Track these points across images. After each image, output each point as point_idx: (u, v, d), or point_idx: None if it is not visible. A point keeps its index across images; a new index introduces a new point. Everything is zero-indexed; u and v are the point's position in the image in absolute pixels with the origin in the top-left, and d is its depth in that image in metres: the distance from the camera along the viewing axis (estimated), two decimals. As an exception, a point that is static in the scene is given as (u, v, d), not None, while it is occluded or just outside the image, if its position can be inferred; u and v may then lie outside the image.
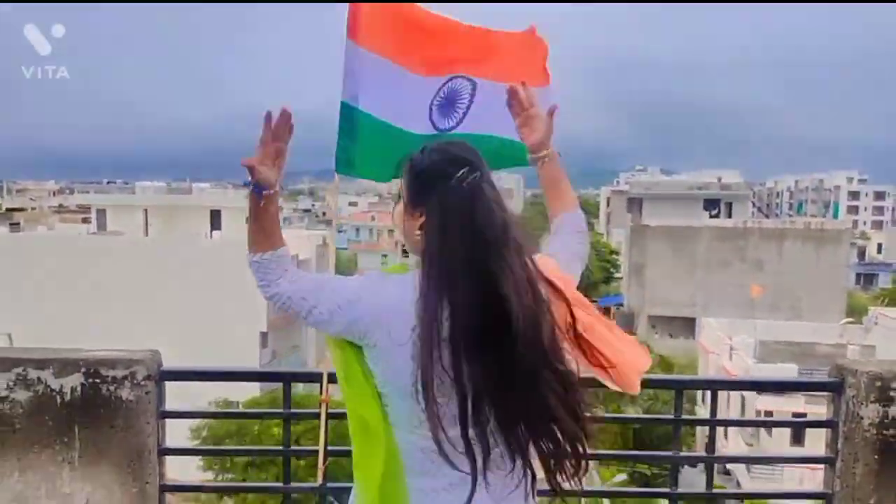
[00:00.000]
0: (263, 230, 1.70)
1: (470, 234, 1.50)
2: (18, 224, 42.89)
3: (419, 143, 2.20)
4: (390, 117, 2.20)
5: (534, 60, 2.25)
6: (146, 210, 31.27)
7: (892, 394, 2.21)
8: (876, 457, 2.23)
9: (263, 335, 26.93)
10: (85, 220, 37.07)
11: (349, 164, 2.23)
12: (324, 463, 2.19)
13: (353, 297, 1.58)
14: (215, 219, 30.69)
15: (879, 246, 71.19)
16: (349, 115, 2.18)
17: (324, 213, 66.83)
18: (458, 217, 1.51)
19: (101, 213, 32.17)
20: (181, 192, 35.03)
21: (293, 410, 2.41)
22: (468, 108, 2.23)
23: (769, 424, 15.79)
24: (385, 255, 58.40)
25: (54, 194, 68.14)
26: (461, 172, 1.53)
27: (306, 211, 74.31)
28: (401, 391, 1.52)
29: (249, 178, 1.64)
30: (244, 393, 18.07)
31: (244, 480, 16.14)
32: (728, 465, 24.15)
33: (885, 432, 2.22)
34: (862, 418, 2.24)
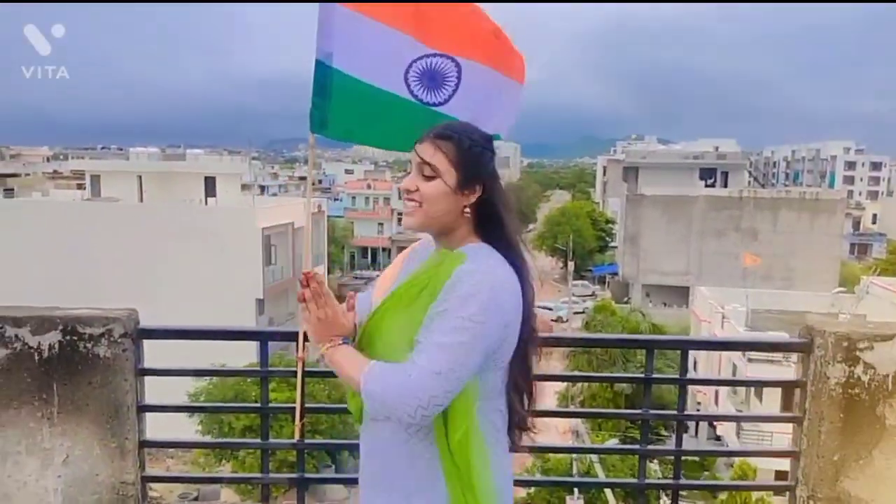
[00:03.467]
0: (345, 375, 1.60)
1: (518, 214, 1.67)
2: (12, 190, 42.64)
3: (400, 108, 2.20)
4: (365, 75, 2.19)
5: (505, 47, 2.23)
6: (140, 176, 31.10)
7: (858, 354, 2.25)
8: (841, 415, 2.27)
9: (260, 302, 27.01)
10: (80, 186, 36.87)
11: (323, 123, 2.22)
12: (300, 420, 2.22)
13: (508, 316, 1.56)
14: (210, 185, 30.56)
15: (874, 216, 71.28)
16: (323, 73, 2.17)
17: (320, 181, 66.50)
18: (510, 197, 1.67)
19: (96, 179, 31.98)
20: (175, 158, 34.80)
21: (270, 369, 2.44)
22: (456, 89, 2.20)
23: (738, 384, 16.04)
24: (381, 224, 58.34)
25: (48, 160, 67.57)
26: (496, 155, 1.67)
27: (302, 179, 73.86)
28: (497, 364, 1.59)
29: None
30: (245, 358, 18.21)
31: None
32: (719, 432, 24.57)
33: (850, 391, 2.26)
34: (829, 378, 2.28)
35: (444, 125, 1.67)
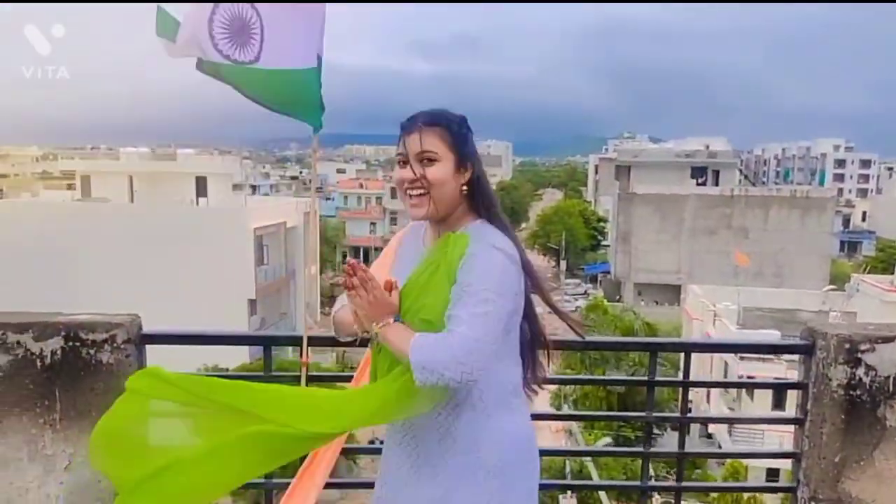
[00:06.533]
0: (396, 350, 1.65)
1: (509, 213, 1.75)
2: (2, 191, 42.36)
3: (225, 73, 2.13)
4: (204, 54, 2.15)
5: None
6: (131, 177, 30.95)
7: (859, 356, 2.27)
8: (842, 416, 2.29)
9: (252, 302, 26.95)
10: (70, 187, 36.66)
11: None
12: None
13: (517, 286, 1.69)
14: (201, 185, 30.46)
15: (864, 214, 71.76)
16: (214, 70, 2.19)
17: (311, 181, 66.25)
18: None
19: (86, 179, 31.84)
20: (166, 158, 34.63)
21: (274, 373, 2.44)
22: (262, 38, 2.11)
23: (742, 386, 16.09)
24: (373, 223, 58.26)
25: (38, 160, 67.13)
26: None
27: (294, 178, 73.73)
28: (510, 328, 1.71)
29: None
30: (235, 360, 18.15)
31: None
32: (710, 430, 24.66)
33: (851, 393, 2.28)
34: (830, 379, 2.29)
35: (426, 113, 1.73)
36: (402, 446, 1.78)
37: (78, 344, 2.22)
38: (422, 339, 1.59)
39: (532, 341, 1.83)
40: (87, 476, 2.28)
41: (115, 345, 2.23)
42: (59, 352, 2.22)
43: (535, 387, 1.86)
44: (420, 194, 1.69)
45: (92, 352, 2.23)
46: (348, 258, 1.83)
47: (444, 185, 1.69)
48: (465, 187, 1.72)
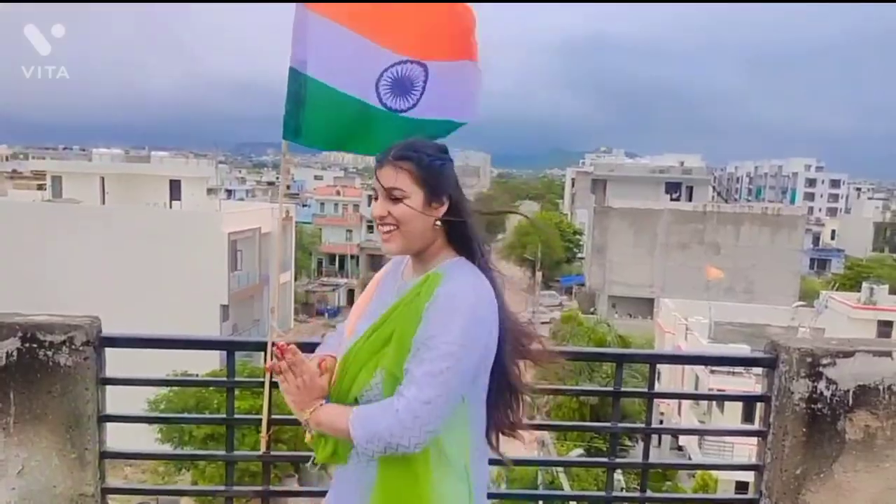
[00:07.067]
0: (334, 431, 1.63)
1: (486, 224, 1.72)
2: (-31, 190, 41.39)
3: (370, 116, 2.20)
4: (338, 83, 2.18)
5: (464, 32, 2.23)
6: (103, 178, 30.49)
7: (820, 369, 2.30)
8: (804, 429, 2.31)
9: (224, 308, 26.63)
10: (40, 187, 36.00)
11: (297, 131, 2.21)
12: (267, 432, 2.18)
13: (486, 336, 1.60)
14: (175, 188, 30.10)
15: (833, 232, 73.19)
16: (296, 80, 2.16)
17: (288, 187, 66.01)
18: (473, 204, 1.71)
19: (57, 179, 31.27)
20: (140, 160, 34.22)
21: (237, 379, 2.40)
22: (422, 93, 2.21)
23: (706, 398, 16.29)
24: (349, 231, 58.03)
25: (7, 159, 65.89)
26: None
27: (270, 184, 73.24)
28: (480, 373, 1.63)
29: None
30: (207, 366, 17.92)
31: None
32: (681, 442, 24.87)
33: (812, 406, 2.30)
34: (792, 393, 2.32)
35: (399, 145, 1.67)
36: (333, 490, 1.76)
37: (35, 345, 2.17)
38: (362, 411, 1.55)
39: (502, 387, 1.71)
40: (42, 481, 2.22)
41: (73, 347, 2.18)
42: (14, 353, 2.16)
43: (509, 431, 1.78)
44: (389, 230, 1.65)
45: (49, 353, 2.17)
46: (276, 342, 1.73)
47: (412, 222, 1.63)
48: (437, 223, 1.65)
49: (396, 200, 1.63)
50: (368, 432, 1.52)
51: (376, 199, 1.69)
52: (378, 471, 1.61)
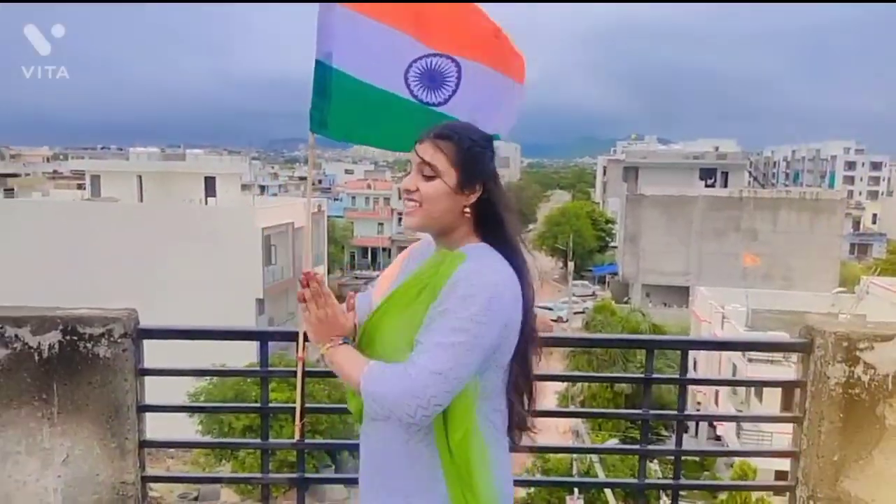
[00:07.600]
0: (345, 375, 1.60)
1: (518, 215, 1.67)
2: (13, 190, 42.62)
3: (401, 108, 2.20)
4: (365, 75, 2.19)
5: (505, 47, 2.23)
6: (140, 176, 31.11)
7: (857, 354, 2.25)
8: (841, 415, 2.27)
9: (260, 302, 27.01)
10: (80, 187, 36.88)
11: (323, 123, 2.22)
12: (301, 420, 2.22)
13: (506, 317, 1.55)
14: (210, 185, 30.57)
15: (874, 216, 71.26)
16: (323, 73, 2.18)
17: (320, 181, 66.51)
18: (511, 197, 1.67)
19: (96, 179, 31.99)
20: (175, 158, 34.80)
21: (270, 369, 2.44)
22: (455, 89, 2.21)
23: (738, 384, 16.08)
24: (381, 224, 58.33)
25: (48, 160, 67.56)
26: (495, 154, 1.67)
27: (302, 179, 73.84)
28: (498, 363, 1.59)
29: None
30: (243, 358, 18.20)
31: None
32: (719, 432, 24.56)
33: (850, 391, 2.26)
34: (829, 378, 2.27)
35: (445, 125, 1.67)
36: (366, 466, 1.71)
37: (75, 338, 2.23)
38: (376, 368, 1.51)
39: (513, 381, 1.65)
40: (85, 470, 2.30)
41: (111, 339, 2.24)
42: (56, 346, 2.23)
43: (519, 430, 1.72)
44: (413, 205, 1.63)
45: (89, 346, 2.24)
46: (309, 269, 1.71)
47: (437, 203, 1.60)
48: (466, 210, 1.62)
49: (428, 178, 1.60)
50: (377, 390, 1.48)
51: (409, 172, 1.67)
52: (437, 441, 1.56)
